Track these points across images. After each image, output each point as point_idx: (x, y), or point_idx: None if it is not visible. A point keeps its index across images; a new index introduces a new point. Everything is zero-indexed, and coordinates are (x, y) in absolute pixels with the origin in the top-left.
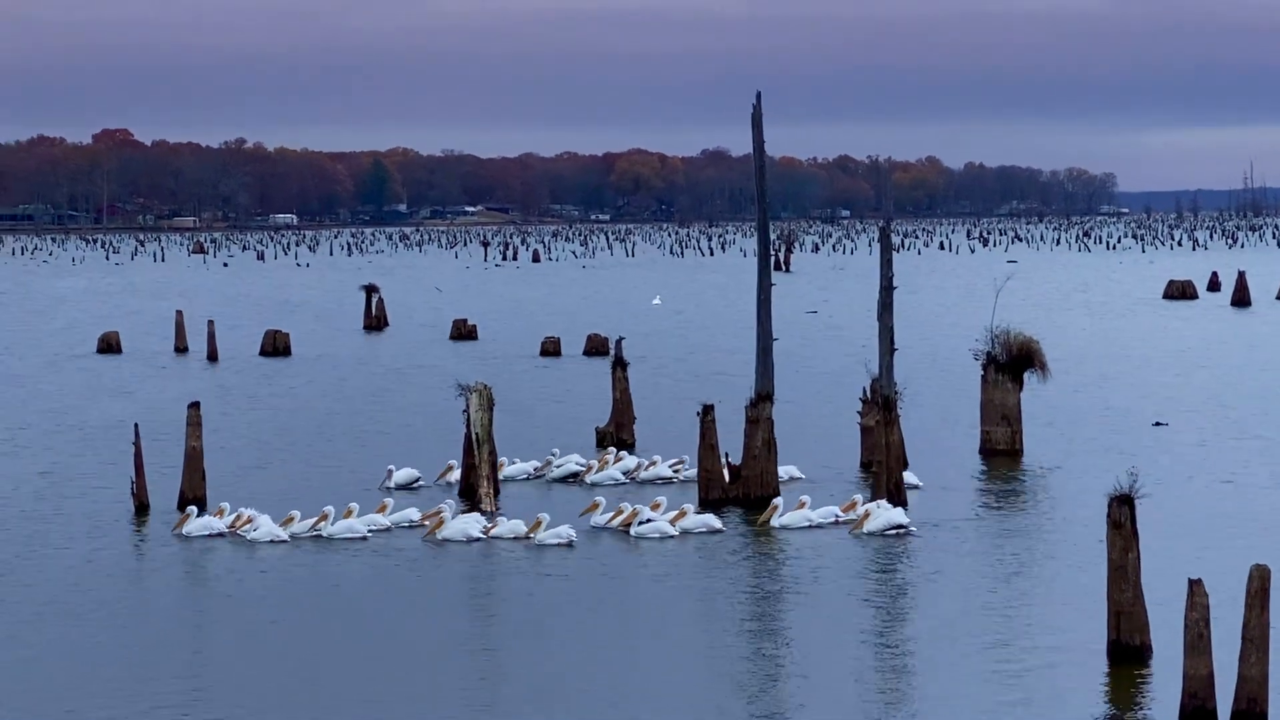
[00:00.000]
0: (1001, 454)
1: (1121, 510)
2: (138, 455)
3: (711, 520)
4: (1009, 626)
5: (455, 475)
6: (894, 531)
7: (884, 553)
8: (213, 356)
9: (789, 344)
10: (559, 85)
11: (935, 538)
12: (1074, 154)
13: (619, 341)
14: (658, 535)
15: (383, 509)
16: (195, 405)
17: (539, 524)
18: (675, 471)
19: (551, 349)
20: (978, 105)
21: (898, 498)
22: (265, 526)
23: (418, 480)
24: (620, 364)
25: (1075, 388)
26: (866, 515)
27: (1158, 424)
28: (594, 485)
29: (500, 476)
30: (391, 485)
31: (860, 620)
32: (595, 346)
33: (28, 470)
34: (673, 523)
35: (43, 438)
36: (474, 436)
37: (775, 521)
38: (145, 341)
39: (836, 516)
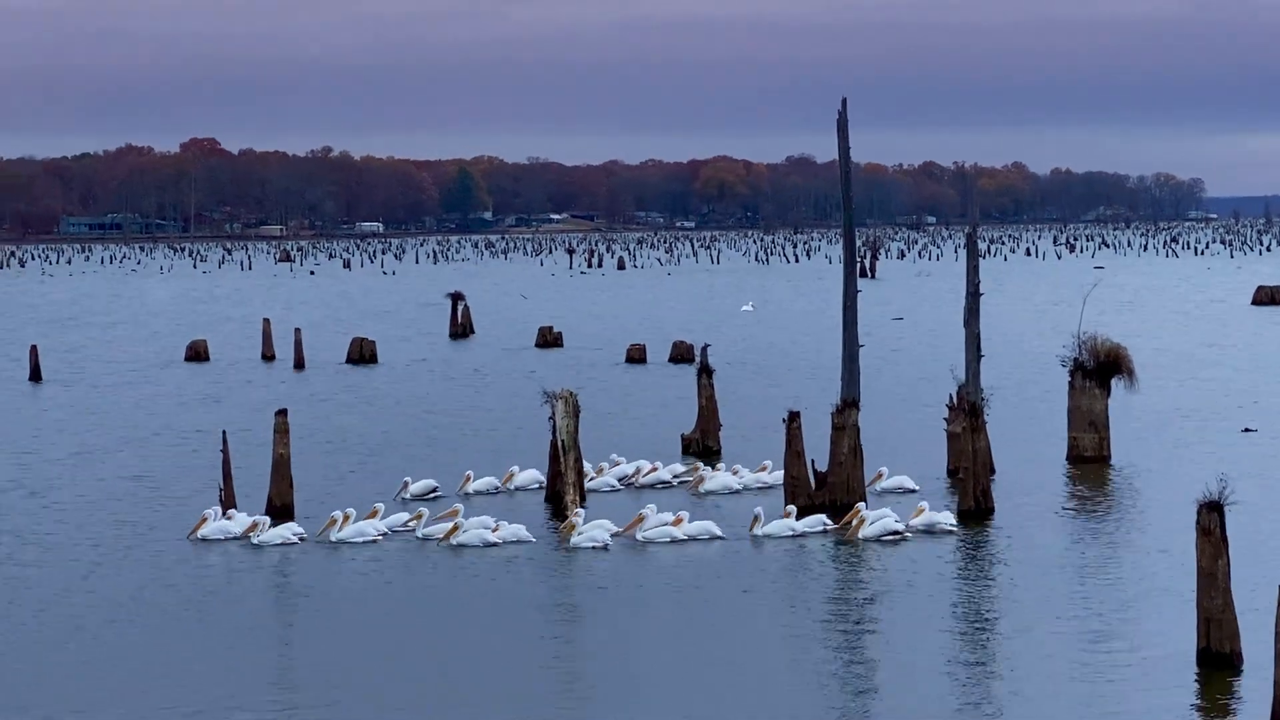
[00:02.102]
0: (1089, 461)
1: (1211, 517)
2: (225, 462)
3: (712, 527)
4: (1097, 633)
5: (473, 485)
6: (890, 537)
7: (969, 557)
8: (300, 364)
9: (875, 350)
10: (644, 93)
11: (1022, 543)
12: (1161, 159)
13: (704, 348)
14: (667, 539)
15: (374, 514)
16: (283, 412)
17: (572, 528)
18: (675, 478)
19: (637, 356)
20: (1064, 110)
21: (984, 504)
22: (274, 530)
23: (435, 490)
24: (706, 371)
25: (1163, 394)
26: (861, 522)
27: (1247, 430)
28: (589, 492)
29: (512, 485)
30: (408, 496)
31: (945, 622)
32: (681, 354)
33: (117, 475)
34: (673, 526)
35: (132, 444)
36: (559, 443)
37: (758, 531)
38: (233, 349)
39: (824, 525)
